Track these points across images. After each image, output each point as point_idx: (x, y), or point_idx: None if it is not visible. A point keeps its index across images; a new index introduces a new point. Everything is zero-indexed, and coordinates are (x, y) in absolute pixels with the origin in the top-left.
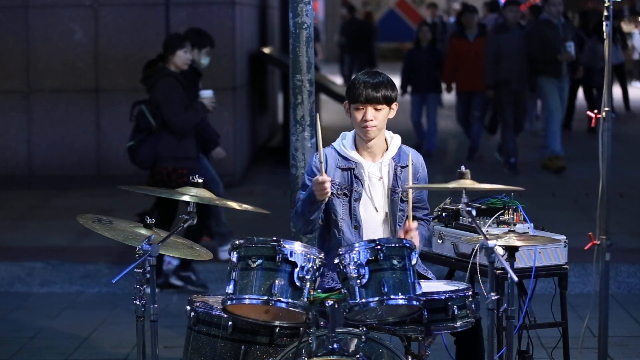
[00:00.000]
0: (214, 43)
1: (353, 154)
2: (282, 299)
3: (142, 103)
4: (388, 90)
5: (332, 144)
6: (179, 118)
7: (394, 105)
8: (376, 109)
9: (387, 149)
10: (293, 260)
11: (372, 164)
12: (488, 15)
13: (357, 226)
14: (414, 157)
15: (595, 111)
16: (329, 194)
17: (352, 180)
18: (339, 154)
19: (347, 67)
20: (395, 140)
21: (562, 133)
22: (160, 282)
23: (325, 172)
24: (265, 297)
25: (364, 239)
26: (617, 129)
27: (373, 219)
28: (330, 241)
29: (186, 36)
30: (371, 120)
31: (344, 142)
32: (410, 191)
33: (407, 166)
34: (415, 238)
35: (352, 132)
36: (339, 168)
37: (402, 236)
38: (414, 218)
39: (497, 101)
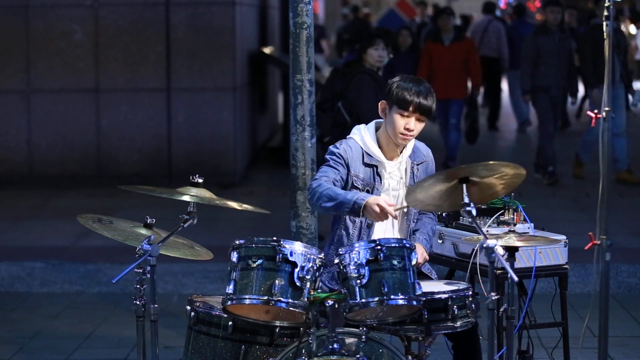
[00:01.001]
0: (395, 46)
1: (378, 153)
2: (282, 299)
3: (341, 100)
4: (434, 100)
5: (352, 137)
6: (373, 114)
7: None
8: (420, 120)
9: (404, 148)
10: (293, 260)
11: (392, 163)
12: (481, 16)
13: (369, 224)
14: (424, 151)
15: (596, 111)
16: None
17: (374, 178)
18: (362, 149)
19: None
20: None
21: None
22: None
23: (349, 162)
24: (266, 297)
25: (377, 237)
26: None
27: (386, 230)
28: (340, 232)
29: (377, 34)
30: (412, 130)
31: (366, 139)
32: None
33: (422, 162)
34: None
35: (371, 127)
36: (364, 164)
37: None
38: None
39: (536, 108)
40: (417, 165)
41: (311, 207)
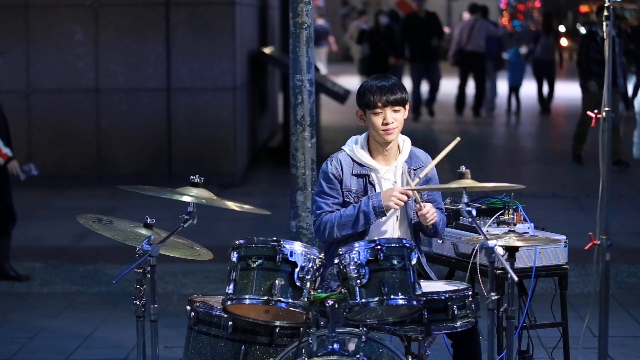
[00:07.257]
0: None
1: (368, 160)
2: (282, 299)
3: None
4: (403, 92)
5: (343, 148)
6: None
7: (407, 105)
8: (395, 111)
9: (399, 153)
10: (293, 260)
11: (386, 169)
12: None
13: (363, 232)
14: (423, 157)
15: (596, 111)
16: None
17: (366, 187)
18: (352, 160)
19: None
20: (407, 143)
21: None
22: None
23: (342, 178)
24: (266, 297)
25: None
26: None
27: (388, 224)
28: (337, 243)
29: None
30: (392, 122)
31: (357, 148)
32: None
33: (420, 167)
34: (432, 214)
35: (363, 136)
36: (354, 175)
37: (420, 213)
38: None
39: None
40: (414, 170)
41: (325, 241)
